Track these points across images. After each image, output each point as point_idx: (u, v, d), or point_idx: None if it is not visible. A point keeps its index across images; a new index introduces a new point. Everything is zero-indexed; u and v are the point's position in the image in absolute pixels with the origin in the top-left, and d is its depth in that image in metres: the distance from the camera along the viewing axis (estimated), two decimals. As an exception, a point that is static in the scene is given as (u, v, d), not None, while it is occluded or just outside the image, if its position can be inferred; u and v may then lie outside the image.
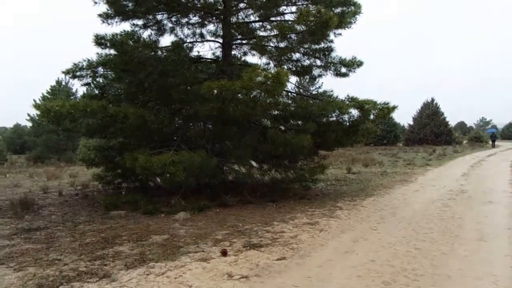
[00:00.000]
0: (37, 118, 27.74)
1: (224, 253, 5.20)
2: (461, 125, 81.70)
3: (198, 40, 10.61)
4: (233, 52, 10.54)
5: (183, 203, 8.18)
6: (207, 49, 11.71)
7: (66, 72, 9.55)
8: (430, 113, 47.16)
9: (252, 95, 8.13)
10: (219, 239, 5.99)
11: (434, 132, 45.20)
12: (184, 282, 4.24)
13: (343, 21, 9.61)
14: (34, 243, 5.81)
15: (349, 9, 9.97)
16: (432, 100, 47.95)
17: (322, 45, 10.32)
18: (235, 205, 8.66)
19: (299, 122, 10.14)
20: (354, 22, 10.22)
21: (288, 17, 9.79)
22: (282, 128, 9.45)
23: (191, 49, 10.21)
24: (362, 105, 9.33)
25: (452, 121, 59.58)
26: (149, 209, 7.93)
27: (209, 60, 10.62)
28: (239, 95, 7.97)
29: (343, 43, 11.46)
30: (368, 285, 4.12)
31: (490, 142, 42.14)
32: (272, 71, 8.21)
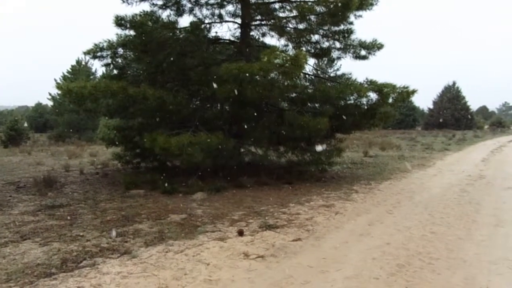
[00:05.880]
0: (58, 97, 28.17)
1: (240, 233, 5.30)
2: (483, 110, 79.82)
3: (216, 20, 10.56)
4: (251, 33, 10.48)
5: (200, 184, 8.30)
6: (226, 30, 11.71)
7: (87, 53, 9.65)
8: (451, 97, 46.36)
9: (270, 77, 8.12)
10: (235, 219, 6.10)
11: (454, 117, 44.48)
12: (202, 260, 4.36)
13: (364, 3, 9.45)
14: (58, 220, 6.01)
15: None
16: (454, 83, 47.14)
17: (342, 27, 10.16)
18: (251, 186, 8.75)
19: (317, 105, 10.11)
20: (376, 3, 10.01)
21: (308, -3, 9.66)
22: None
23: (209, 30, 10.19)
24: (381, 89, 9.22)
25: (474, 106, 58.37)
26: (167, 188, 8.08)
27: (228, 41, 10.59)
28: (257, 77, 7.96)
29: (365, 24, 11.27)
30: (383, 267, 4.17)
31: None
32: (291, 53, 8.17)
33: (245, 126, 9.82)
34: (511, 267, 4.19)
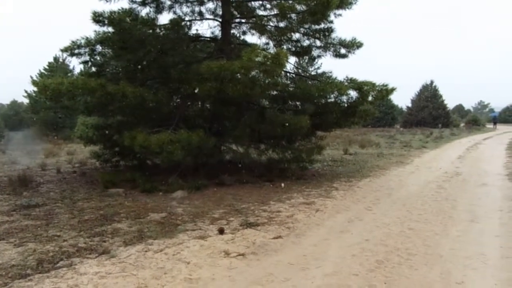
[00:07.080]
0: (34, 94, 27.54)
1: (221, 231, 5.28)
2: (459, 108, 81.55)
3: (197, 18, 10.46)
4: (232, 31, 10.45)
5: (180, 182, 8.23)
6: (206, 28, 11.63)
7: (64, 50, 9.42)
8: (428, 95, 47.15)
9: (251, 75, 8.11)
10: (216, 217, 6.07)
11: (432, 115, 45.28)
12: (182, 259, 4.33)
13: (344, 2, 9.53)
14: (33, 220, 5.88)
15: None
16: (431, 82, 47.95)
17: (322, 25, 10.21)
18: (232, 184, 8.73)
19: (298, 103, 10.15)
20: (355, 2, 10.10)
21: (288, -4, 9.67)
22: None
23: (190, 27, 10.10)
24: (361, 87, 9.30)
25: (450, 104, 59.57)
26: (147, 187, 7.99)
27: (208, 39, 10.53)
28: (238, 75, 7.94)
29: (347, 23, 11.38)
30: (362, 264, 4.22)
31: (492, 125, 47.56)
32: (272, 51, 8.17)
33: (226, 124, 9.79)
34: (486, 262, 4.29)
